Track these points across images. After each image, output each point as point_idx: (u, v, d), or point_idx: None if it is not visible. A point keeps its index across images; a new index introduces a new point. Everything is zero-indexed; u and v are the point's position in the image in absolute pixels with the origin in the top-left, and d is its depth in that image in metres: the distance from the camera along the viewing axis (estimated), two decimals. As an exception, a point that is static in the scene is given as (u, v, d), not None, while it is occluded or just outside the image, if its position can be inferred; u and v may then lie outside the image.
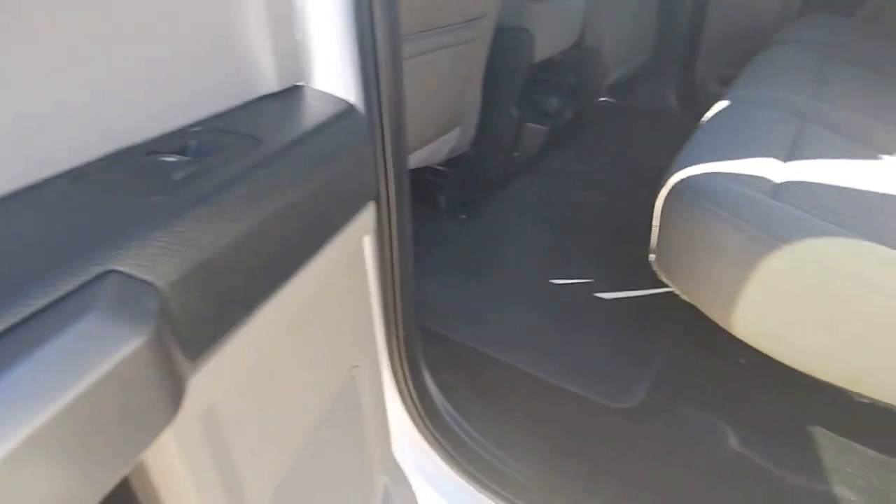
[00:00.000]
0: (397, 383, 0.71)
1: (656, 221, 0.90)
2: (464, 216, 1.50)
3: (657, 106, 2.30)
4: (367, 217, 0.49)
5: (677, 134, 1.21)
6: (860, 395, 0.91)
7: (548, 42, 1.53)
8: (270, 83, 0.43)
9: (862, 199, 0.82)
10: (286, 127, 0.39)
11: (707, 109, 1.21)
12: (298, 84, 0.46)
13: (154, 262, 0.26)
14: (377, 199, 0.54)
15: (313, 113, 0.42)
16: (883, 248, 0.71)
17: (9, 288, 0.22)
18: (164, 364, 0.26)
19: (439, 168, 1.57)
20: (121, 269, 0.25)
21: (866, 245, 0.71)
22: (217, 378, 0.32)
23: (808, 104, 1.10)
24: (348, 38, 0.46)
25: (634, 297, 1.20)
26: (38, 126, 0.28)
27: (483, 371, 1.02)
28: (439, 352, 1.06)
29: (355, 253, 0.52)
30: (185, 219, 0.28)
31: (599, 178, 1.70)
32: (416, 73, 1.13)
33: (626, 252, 1.31)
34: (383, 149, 0.52)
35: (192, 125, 0.36)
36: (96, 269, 0.24)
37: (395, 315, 0.64)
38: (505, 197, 1.58)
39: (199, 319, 0.29)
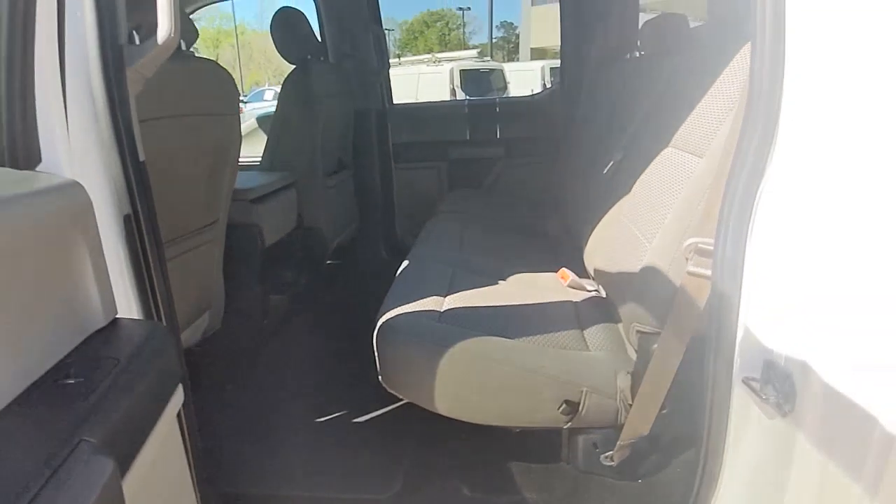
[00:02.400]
0: None
1: (376, 353, 1.28)
2: (228, 387, 1.68)
3: (373, 259, 2.88)
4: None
5: (389, 280, 1.68)
6: (517, 428, 1.37)
7: (274, 229, 1.92)
8: (99, 320, 0.68)
9: (491, 312, 1.34)
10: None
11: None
12: (117, 317, 0.71)
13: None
14: None
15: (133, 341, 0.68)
16: (504, 339, 1.20)
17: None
18: None
19: (195, 348, 1.74)
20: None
21: (494, 339, 1.20)
22: None
23: (456, 256, 1.69)
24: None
25: (381, 413, 1.55)
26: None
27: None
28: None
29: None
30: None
31: (335, 327, 2.08)
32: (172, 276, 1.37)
33: (366, 381, 1.67)
34: None
35: (66, 358, 0.59)
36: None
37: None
38: (261, 361, 1.83)
39: None
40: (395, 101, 2.90)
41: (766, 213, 0.77)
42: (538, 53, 18.74)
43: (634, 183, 1.37)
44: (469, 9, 28.09)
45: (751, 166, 0.76)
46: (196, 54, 1.78)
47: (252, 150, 2.36)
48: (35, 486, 0.41)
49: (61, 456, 0.45)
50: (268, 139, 2.18)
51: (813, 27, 0.70)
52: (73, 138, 0.73)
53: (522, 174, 2.74)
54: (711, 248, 0.93)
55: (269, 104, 12.73)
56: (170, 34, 0.88)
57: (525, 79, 10.89)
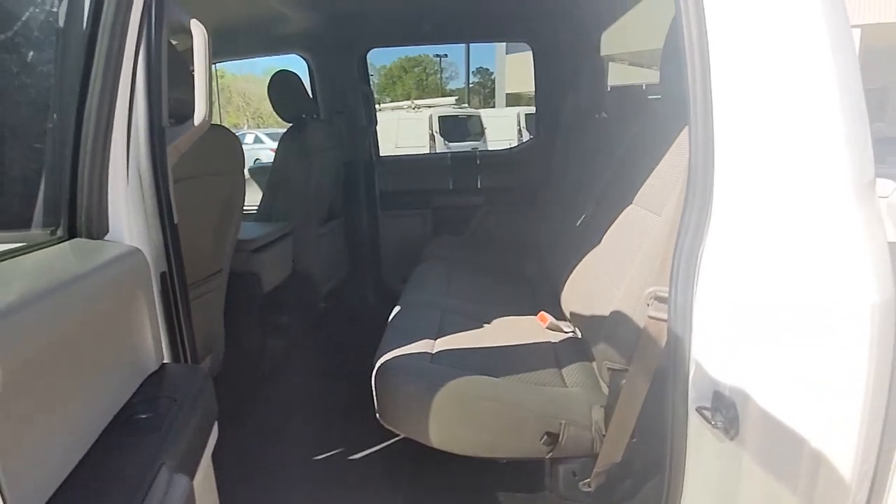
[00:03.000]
0: None
1: (374, 392, 1.40)
2: (229, 427, 1.77)
3: (362, 304, 3.00)
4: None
5: (380, 325, 1.79)
6: (504, 459, 1.48)
7: (272, 277, 2.04)
8: (152, 365, 0.80)
9: (478, 353, 1.48)
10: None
11: (394, 302, 1.85)
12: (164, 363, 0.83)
13: None
14: None
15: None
16: (490, 378, 1.33)
17: None
18: None
19: None
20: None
21: (482, 378, 1.33)
22: None
23: (444, 301, 1.83)
24: None
25: (377, 449, 1.65)
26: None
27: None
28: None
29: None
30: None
31: (329, 369, 2.18)
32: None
33: (361, 419, 1.77)
34: None
35: (132, 397, 0.71)
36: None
37: None
38: (260, 402, 1.92)
39: None
40: (381, 153, 3.08)
41: (706, 268, 0.93)
42: (513, 99, 19.43)
43: (604, 235, 1.54)
44: (446, 55, 29.04)
45: (693, 231, 0.93)
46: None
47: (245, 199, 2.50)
48: (139, 495, 0.53)
49: (151, 474, 0.57)
50: (265, 191, 2.32)
51: (736, 117, 0.89)
52: (130, 209, 0.87)
53: (502, 221, 2.93)
54: (667, 295, 1.09)
55: (248, 147, 12.92)
56: (204, 117, 1.03)
57: (501, 125, 11.30)
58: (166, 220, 0.97)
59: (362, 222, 2.93)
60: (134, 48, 0.84)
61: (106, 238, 0.79)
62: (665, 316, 1.07)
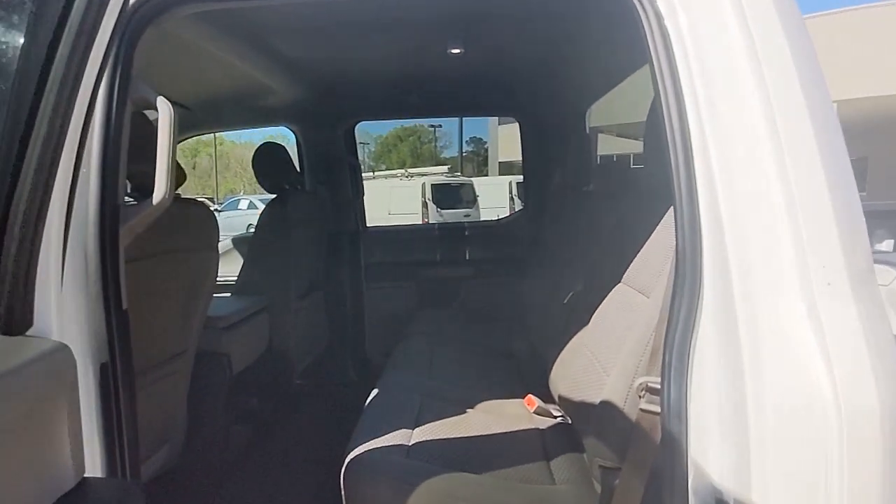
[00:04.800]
0: None
1: (343, 490, 1.27)
2: None
3: (342, 381, 2.86)
4: None
5: (359, 405, 1.66)
6: None
7: (244, 356, 1.93)
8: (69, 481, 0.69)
9: (459, 445, 1.36)
10: None
11: (377, 378, 1.74)
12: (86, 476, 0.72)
13: None
14: None
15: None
16: (471, 475, 1.21)
17: None
18: None
19: (150, 485, 1.67)
20: None
21: (461, 475, 1.21)
22: None
23: (425, 384, 1.72)
24: None
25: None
26: None
27: None
28: None
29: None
30: None
31: (300, 458, 2.01)
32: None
33: None
34: None
35: None
36: None
37: None
38: (221, 499, 1.75)
39: None
40: (372, 222, 3.04)
41: (700, 359, 0.85)
42: (506, 167, 19.90)
43: (592, 315, 1.46)
44: (440, 126, 30.03)
45: (683, 319, 0.85)
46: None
47: (227, 269, 2.42)
48: None
49: None
50: (243, 263, 2.25)
51: (720, 198, 0.83)
52: (65, 297, 0.79)
53: (490, 294, 2.85)
54: (660, 387, 1.00)
55: (242, 212, 13.00)
56: (164, 195, 0.97)
57: (494, 192, 11.50)
58: (112, 306, 0.89)
59: (345, 295, 2.85)
60: (82, 121, 0.78)
61: (29, 333, 0.70)
62: (659, 409, 0.98)
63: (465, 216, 9.84)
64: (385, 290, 2.91)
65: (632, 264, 1.34)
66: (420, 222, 9.17)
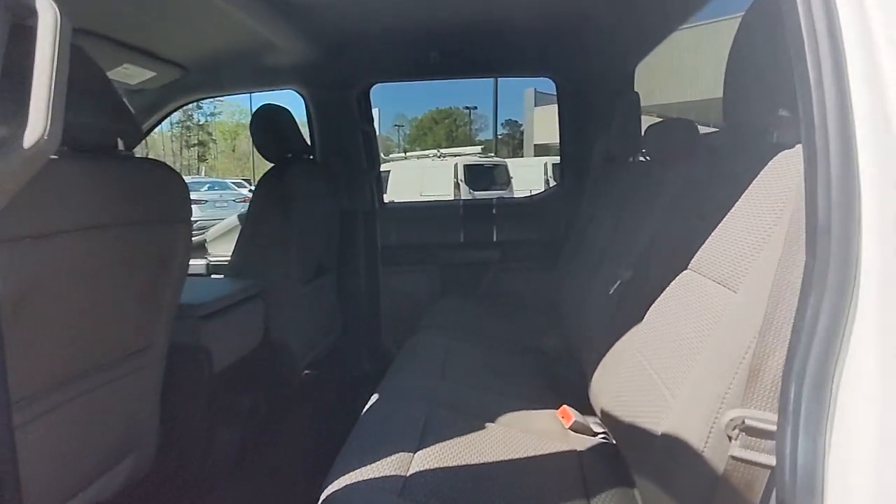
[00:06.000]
0: None
1: None
2: None
3: (355, 373, 2.59)
4: None
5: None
6: None
7: (229, 350, 1.66)
8: None
9: (471, 476, 1.05)
10: None
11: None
12: None
13: None
14: None
15: None
16: None
17: None
18: None
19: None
20: None
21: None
22: None
23: (436, 388, 1.41)
24: None
25: None
26: None
27: None
28: None
29: None
30: None
31: (294, 471, 1.73)
32: (74, 416, 1.10)
33: None
34: None
35: None
36: None
37: None
38: None
39: None
40: (385, 201, 2.74)
41: (849, 396, 0.52)
42: (541, 150, 19.30)
43: (647, 310, 1.13)
44: (476, 108, 29.60)
45: (822, 335, 0.52)
46: (148, 155, 1.62)
47: (230, 248, 2.16)
48: None
49: None
50: (237, 242, 1.98)
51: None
52: None
53: (519, 281, 2.52)
54: (767, 427, 0.67)
55: (231, 193, 12.84)
56: (42, 136, 0.68)
57: (528, 174, 11.05)
58: None
59: (358, 279, 2.56)
60: None
61: None
62: (764, 460, 0.66)
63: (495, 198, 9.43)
64: (403, 275, 2.61)
65: (702, 247, 1.00)
66: (451, 202, 8.83)
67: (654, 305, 1.11)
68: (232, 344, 1.68)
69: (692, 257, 1.02)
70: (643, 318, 1.14)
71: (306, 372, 2.52)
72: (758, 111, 0.90)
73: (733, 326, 0.80)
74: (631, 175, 1.72)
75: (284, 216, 1.94)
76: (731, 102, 0.99)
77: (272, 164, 2.04)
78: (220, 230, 2.93)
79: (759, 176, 0.87)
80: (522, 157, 20.18)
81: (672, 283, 1.06)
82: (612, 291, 1.33)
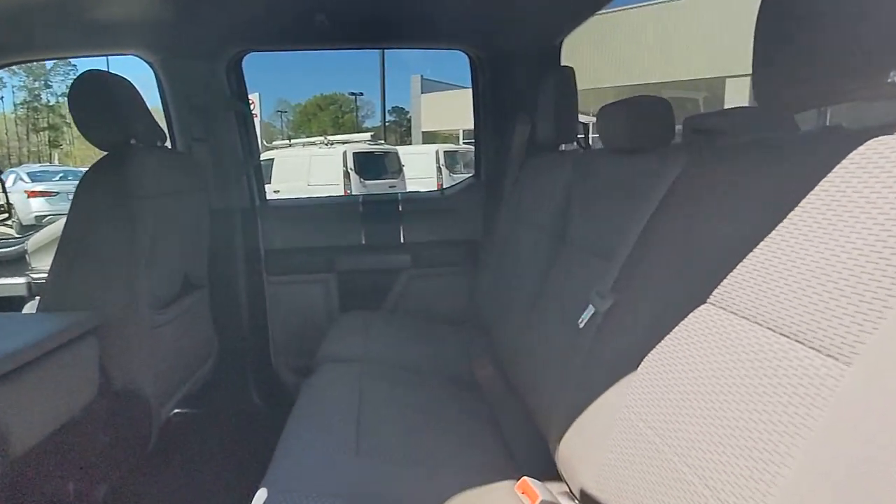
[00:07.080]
0: None
1: None
2: None
3: (242, 407, 2.11)
4: None
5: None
6: None
7: (39, 421, 1.14)
8: None
9: None
10: None
11: (288, 402, 1.31)
12: None
13: None
14: None
15: None
16: None
17: None
18: None
19: None
20: None
21: None
22: None
23: (347, 464, 1.02)
24: None
25: None
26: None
27: None
28: None
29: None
30: None
31: None
32: None
33: None
34: None
35: None
36: None
37: None
38: None
39: None
40: (268, 197, 2.26)
41: None
42: (429, 137, 19.16)
43: (644, 358, 0.83)
44: (362, 94, 28.86)
45: None
46: None
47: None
48: None
49: None
50: (53, 260, 1.42)
51: None
52: None
53: (434, 290, 2.17)
54: None
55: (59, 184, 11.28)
56: None
57: (420, 161, 10.75)
58: None
59: (238, 293, 2.07)
60: None
61: None
62: None
63: (391, 187, 9.02)
64: (294, 285, 2.16)
65: (729, 276, 0.71)
66: (342, 194, 8.27)
67: (657, 350, 0.81)
68: (44, 411, 1.15)
69: (714, 287, 0.73)
70: (637, 367, 0.84)
71: (175, 411, 2.00)
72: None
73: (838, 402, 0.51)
74: (586, 166, 1.43)
75: (126, 222, 1.42)
76: (760, 77, 0.70)
77: (105, 153, 1.49)
78: (47, 237, 2.25)
79: (820, 181, 0.60)
80: (411, 143, 19.88)
81: (702, 331, 0.76)
82: (582, 325, 1.02)
